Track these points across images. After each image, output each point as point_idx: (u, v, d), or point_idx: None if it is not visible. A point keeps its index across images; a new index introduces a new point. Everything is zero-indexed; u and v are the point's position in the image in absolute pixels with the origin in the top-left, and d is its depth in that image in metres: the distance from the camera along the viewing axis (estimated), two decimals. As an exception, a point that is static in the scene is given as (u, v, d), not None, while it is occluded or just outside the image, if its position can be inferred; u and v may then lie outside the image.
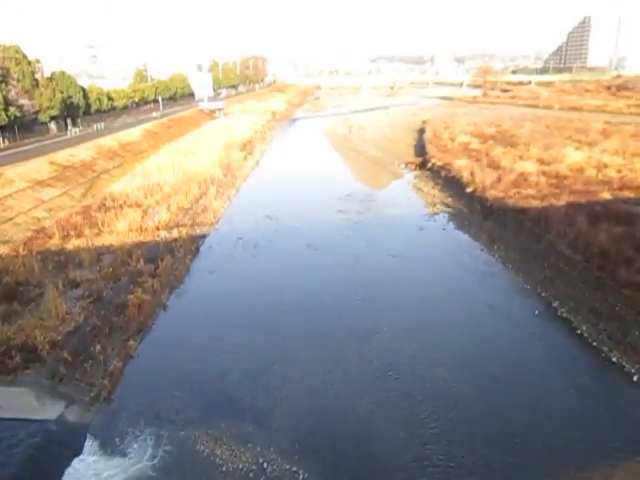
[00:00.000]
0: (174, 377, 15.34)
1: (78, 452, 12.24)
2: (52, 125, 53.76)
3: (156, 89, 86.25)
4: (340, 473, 11.97)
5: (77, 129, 54.95)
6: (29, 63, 49.35)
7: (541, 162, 36.97)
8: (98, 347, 15.67)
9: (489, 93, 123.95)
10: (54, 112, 51.83)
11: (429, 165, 43.62)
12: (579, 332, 17.27)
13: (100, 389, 14.27)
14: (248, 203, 35.63)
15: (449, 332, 17.89)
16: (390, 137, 63.19)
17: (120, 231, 25.50)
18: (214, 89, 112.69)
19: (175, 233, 26.58)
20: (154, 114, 72.20)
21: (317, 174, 46.53)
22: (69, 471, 11.76)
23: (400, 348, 16.68)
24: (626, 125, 55.29)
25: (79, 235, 24.78)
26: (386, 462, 12.09)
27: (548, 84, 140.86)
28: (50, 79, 52.63)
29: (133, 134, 55.05)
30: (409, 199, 35.85)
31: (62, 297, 18.00)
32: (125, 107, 74.80)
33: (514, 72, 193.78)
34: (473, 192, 32.89)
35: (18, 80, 47.54)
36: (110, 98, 68.75)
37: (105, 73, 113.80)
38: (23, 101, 47.66)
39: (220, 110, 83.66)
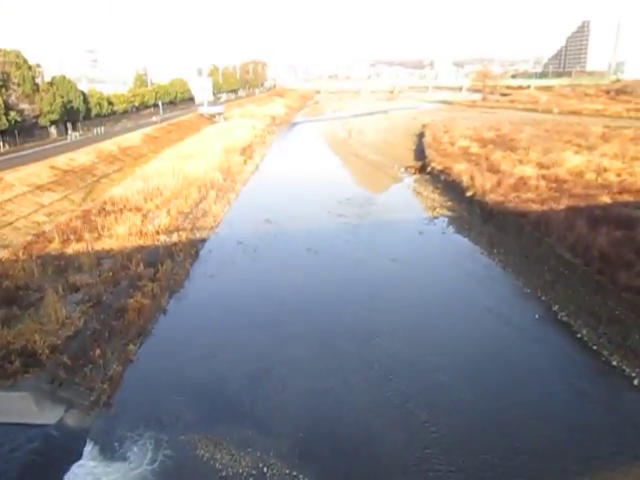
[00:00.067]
0: (174, 381, 15.32)
1: (78, 457, 12.22)
2: (52, 129, 53.89)
3: (156, 93, 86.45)
4: (340, 478, 11.94)
5: (77, 133, 55.06)
6: (29, 68, 49.47)
7: (541, 166, 37.02)
8: (98, 351, 15.64)
9: (488, 97, 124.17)
10: (54, 116, 51.95)
11: (429, 169, 43.68)
12: (579, 336, 17.25)
13: (100, 393, 14.24)
14: (248, 207, 35.67)
15: (449, 336, 17.87)
16: (390, 141, 63.29)
17: (120, 235, 25.49)
18: (214, 93, 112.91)
19: (175, 237, 26.59)
20: (154, 118, 72.31)
21: (317, 178, 46.61)
22: (69, 476, 11.74)
23: (400, 352, 16.66)
24: (625, 129, 55.43)
25: (79, 239, 24.78)
26: (387, 466, 12.06)
27: (547, 88, 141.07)
28: (50, 83, 52.78)
29: (133, 138, 55.14)
30: (409, 203, 35.87)
31: (62, 301, 17.98)
32: (125, 111, 74.97)
33: (513, 76, 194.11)
34: (473, 196, 32.93)
35: (19, 85, 47.64)
36: (110, 102, 68.91)
37: (105, 77, 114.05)
38: (23, 105, 47.76)
39: (220, 114, 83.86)
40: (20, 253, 22.76)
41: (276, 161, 56.20)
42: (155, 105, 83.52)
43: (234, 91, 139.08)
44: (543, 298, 20.10)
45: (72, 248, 23.72)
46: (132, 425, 13.26)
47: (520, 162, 38.71)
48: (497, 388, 15.04)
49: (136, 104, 79.45)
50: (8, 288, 19.14)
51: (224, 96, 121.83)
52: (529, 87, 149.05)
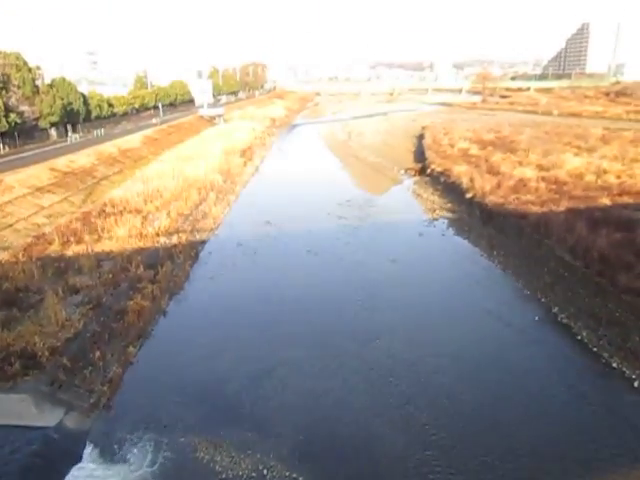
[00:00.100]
0: (174, 383, 15.31)
1: (78, 459, 12.19)
2: (52, 131, 53.91)
3: (156, 95, 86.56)
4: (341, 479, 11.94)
5: (77, 135, 55.09)
6: (30, 70, 49.53)
7: (540, 168, 37.03)
8: (98, 353, 15.62)
9: (488, 99, 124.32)
10: (54, 118, 51.99)
11: (428, 171, 43.69)
12: (579, 338, 17.24)
13: (100, 395, 14.21)
14: (248, 209, 35.69)
15: (449, 337, 17.85)
16: (389, 143, 63.34)
17: (120, 237, 25.48)
18: (214, 95, 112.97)
19: (175, 239, 26.58)
20: (154, 120, 72.39)
21: (317, 180, 46.63)
22: (69, 478, 11.71)
23: (400, 352, 16.66)
24: (625, 131, 55.49)
25: (79, 241, 24.77)
26: (387, 468, 12.05)
27: (547, 90, 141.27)
28: (50, 86, 52.83)
29: (133, 140, 55.16)
30: (409, 205, 35.88)
31: (62, 303, 17.96)
32: (125, 113, 75.06)
33: (513, 78, 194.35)
34: (472, 198, 32.95)
35: (19, 87, 47.70)
36: (110, 104, 69.01)
37: (105, 79, 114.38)
38: (24, 108, 47.80)
39: (220, 116, 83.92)
40: (20, 255, 22.75)
41: (276, 163, 56.24)
42: (155, 107, 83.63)
43: (234, 93, 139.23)
44: (543, 300, 20.10)
45: (72, 250, 23.72)
46: (132, 427, 13.24)
47: (520, 164, 38.72)
48: (497, 390, 15.02)
49: (136, 106, 79.57)
50: (8, 290, 19.12)
51: (224, 98, 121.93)
52: (529, 89, 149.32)
